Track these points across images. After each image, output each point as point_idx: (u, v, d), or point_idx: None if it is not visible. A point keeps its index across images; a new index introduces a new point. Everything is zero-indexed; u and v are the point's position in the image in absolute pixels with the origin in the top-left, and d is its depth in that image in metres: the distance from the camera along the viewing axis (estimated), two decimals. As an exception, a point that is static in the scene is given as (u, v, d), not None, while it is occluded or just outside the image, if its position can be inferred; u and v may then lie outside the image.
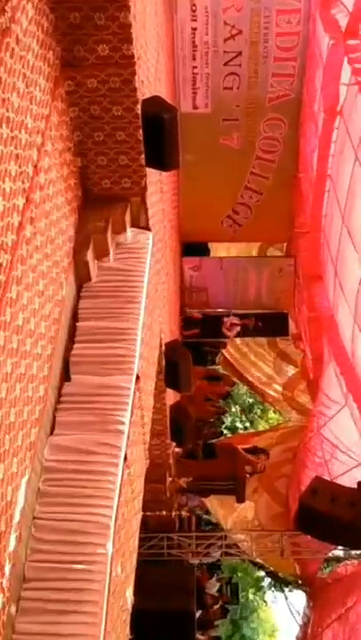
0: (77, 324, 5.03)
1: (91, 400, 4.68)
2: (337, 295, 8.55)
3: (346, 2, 7.28)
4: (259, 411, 21.07)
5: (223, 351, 14.63)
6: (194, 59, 10.48)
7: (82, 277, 5.20)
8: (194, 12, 10.06)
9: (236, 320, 12.37)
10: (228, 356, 14.80)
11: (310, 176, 9.72)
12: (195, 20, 10.08)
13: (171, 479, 9.62)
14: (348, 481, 7.97)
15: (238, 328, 12.45)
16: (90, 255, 5.17)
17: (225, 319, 12.29)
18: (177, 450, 10.66)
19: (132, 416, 4.79)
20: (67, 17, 4.51)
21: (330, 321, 9.08)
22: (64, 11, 4.48)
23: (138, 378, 5.07)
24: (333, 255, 8.45)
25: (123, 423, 4.61)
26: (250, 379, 14.80)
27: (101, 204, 5.50)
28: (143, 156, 5.34)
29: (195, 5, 9.99)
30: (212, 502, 12.69)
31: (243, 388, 18.18)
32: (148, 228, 5.92)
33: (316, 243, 9.52)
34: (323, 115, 8.09)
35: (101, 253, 5.38)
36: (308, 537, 9.23)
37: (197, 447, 11.72)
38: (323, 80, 7.91)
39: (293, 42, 10.19)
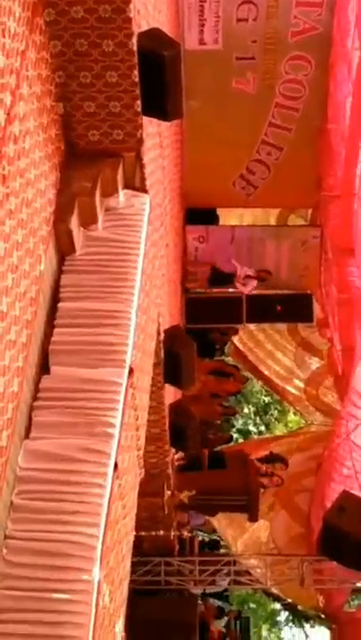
0: (58, 304, 5.03)
1: (74, 397, 4.69)
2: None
3: None
4: (276, 412, 21.19)
5: (234, 339, 14.66)
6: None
7: (64, 249, 5.20)
8: None
9: (251, 272, 12.20)
10: (241, 346, 14.83)
11: (342, 128, 9.67)
12: None
13: (170, 493, 9.68)
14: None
15: (255, 282, 12.24)
16: (74, 222, 5.16)
17: (238, 271, 12.15)
18: (177, 458, 10.71)
19: (123, 417, 4.81)
20: None
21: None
22: None
23: (131, 371, 5.08)
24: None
25: (112, 425, 4.63)
26: (266, 373, 14.84)
27: (88, 160, 5.47)
28: (139, 102, 5.31)
29: None
30: (219, 521, 12.78)
31: (257, 385, 18.25)
32: (144, 190, 5.90)
33: (349, 209, 9.49)
34: (358, 53, 8.05)
35: (88, 220, 5.37)
36: (334, 563, 9.30)
37: (202, 455, 11.77)
38: (358, 10, 7.87)
39: None
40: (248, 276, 12.18)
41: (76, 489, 4.32)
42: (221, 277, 12.24)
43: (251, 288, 12.29)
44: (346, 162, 9.22)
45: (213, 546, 14.99)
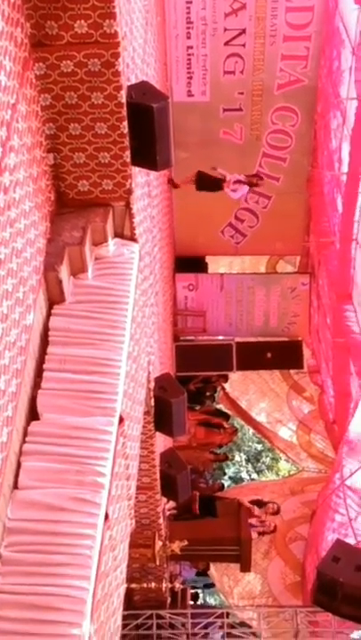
0: (48, 348, 5.02)
1: (63, 443, 4.65)
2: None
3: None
4: (268, 459, 21.04)
5: (225, 385, 14.65)
6: (189, 37, 10.63)
7: (54, 298, 5.21)
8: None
9: (241, 177, 11.05)
10: (231, 390, 14.81)
11: (336, 175, 9.79)
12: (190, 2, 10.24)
13: (161, 543, 9.55)
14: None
15: (246, 188, 11.15)
16: (64, 271, 5.18)
17: (228, 177, 10.95)
18: (169, 507, 10.58)
19: (114, 466, 4.77)
20: (37, -12, 4.57)
21: (359, 350, 9.11)
22: (34, -20, 4.54)
23: (121, 419, 5.05)
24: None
25: (103, 475, 4.58)
26: (257, 418, 14.79)
27: (78, 209, 5.52)
28: (128, 152, 5.38)
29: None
30: (214, 569, 12.62)
31: (249, 432, 18.16)
32: (133, 239, 5.94)
33: (347, 254, 9.54)
34: (355, 102, 8.18)
35: (78, 269, 5.39)
36: (329, 614, 9.15)
37: (194, 503, 11.65)
38: (356, 62, 8.04)
39: (307, 18, 10.37)
40: (238, 181, 11.05)
41: (66, 540, 4.26)
42: (209, 182, 11.06)
43: (241, 195, 11.29)
44: (344, 208, 9.29)
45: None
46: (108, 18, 4.70)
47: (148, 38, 7.37)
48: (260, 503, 12.02)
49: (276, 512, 12.04)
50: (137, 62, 6.11)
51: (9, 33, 4.22)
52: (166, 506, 10.21)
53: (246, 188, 11.04)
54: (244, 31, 10.57)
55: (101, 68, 4.91)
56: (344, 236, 9.48)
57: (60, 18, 4.68)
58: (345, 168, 9.19)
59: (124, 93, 5.10)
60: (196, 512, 11.72)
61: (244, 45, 10.70)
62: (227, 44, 10.71)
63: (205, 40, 10.70)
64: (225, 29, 10.56)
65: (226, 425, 14.06)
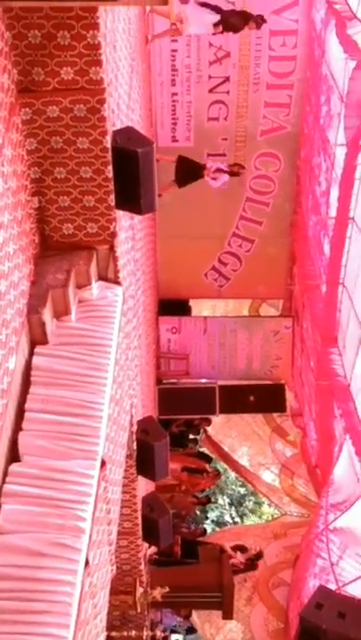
0: (30, 389, 4.98)
1: (44, 486, 4.59)
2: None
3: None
4: (251, 503, 20.90)
5: (208, 428, 14.60)
6: (173, 84, 10.80)
7: (37, 340, 5.19)
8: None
9: (223, 166, 10.69)
10: (214, 433, 14.75)
11: (322, 219, 9.88)
12: (175, 41, 10.43)
13: (142, 590, 9.40)
14: (361, 591, 7.86)
15: (226, 177, 10.72)
16: (47, 314, 5.17)
17: (208, 164, 10.60)
18: (150, 553, 10.45)
19: (95, 511, 4.72)
20: (25, 35, 4.64)
21: (345, 392, 9.11)
22: (22, 28, 4.61)
23: (103, 463, 5.01)
24: (360, 313, 8.47)
25: (83, 519, 4.52)
26: (240, 462, 14.72)
27: (62, 252, 5.54)
28: (113, 196, 5.42)
29: (174, 24, 10.33)
30: (196, 616, 12.44)
31: (232, 475, 18.05)
32: (117, 282, 5.95)
33: (334, 298, 9.59)
34: (345, 148, 8.29)
35: (61, 311, 5.38)
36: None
37: (175, 549, 11.52)
38: (345, 110, 8.17)
39: (289, 67, 10.59)
40: (219, 170, 10.67)
41: (46, 587, 4.19)
42: (190, 170, 10.66)
43: (221, 183, 10.82)
44: (332, 251, 9.34)
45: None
46: (94, 65, 4.77)
47: (134, 85, 7.48)
48: (242, 548, 11.91)
49: (259, 556, 11.94)
50: (122, 108, 6.20)
51: (-4, 79, 4.28)
52: (148, 550, 10.09)
53: (227, 177, 10.71)
54: (228, 79, 10.78)
55: (87, 114, 4.97)
56: (331, 280, 9.53)
57: (46, 65, 4.75)
58: (333, 212, 9.28)
59: (109, 138, 5.16)
60: (177, 557, 11.59)
61: (228, 93, 10.89)
62: (211, 91, 10.90)
63: (190, 87, 10.89)
64: (209, 77, 10.76)
65: (209, 469, 13.98)
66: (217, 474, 14.24)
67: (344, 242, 8.95)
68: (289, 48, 10.45)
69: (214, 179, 10.60)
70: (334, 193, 9.13)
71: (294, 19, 10.21)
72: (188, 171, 10.62)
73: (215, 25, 9.37)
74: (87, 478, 4.74)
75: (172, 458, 13.05)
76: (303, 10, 10.14)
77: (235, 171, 10.73)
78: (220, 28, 9.44)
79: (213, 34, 9.58)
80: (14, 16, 4.54)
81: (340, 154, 8.63)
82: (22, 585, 4.17)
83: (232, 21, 9.49)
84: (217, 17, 9.29)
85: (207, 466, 14.05)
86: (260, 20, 9.61)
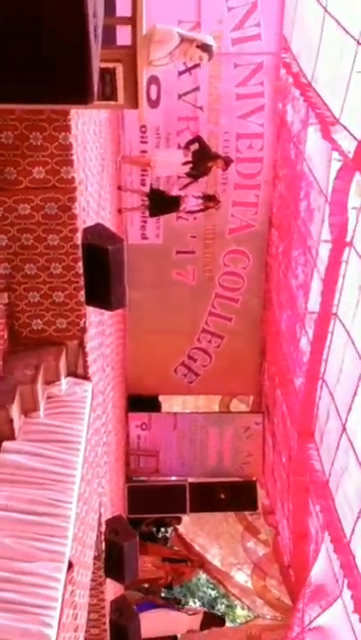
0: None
1: (8, 589, 4.41)
2: (341, 457, 8.42)
3: (346, 124, 7.84)
4: (223, 607, 20.31)
5: (178, 526, 14.32)
6: (143, 184, 11.06)
7: (4, 436, 5.09)
8: (143, 132, 10.76)
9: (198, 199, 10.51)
10: (185, 532, 14.45)
11: (297, 313, 9.98)
12: (145, 142, 10.76)
13: None
14: None
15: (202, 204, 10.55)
16: (15, 410, 5.10)
17: (185, 198, 10.43)
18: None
19: (61, 617, 4.53)
20: (-3, 136, 4.76)
21: (323, 488, 8.99)
22: (-5, 129, 4.73)
23: (70, 565, 4.85)
24: (341, 408, 8.39)
25: (49, 626, 4.34)
26: (212, 562, 14.38)
27: (31, 348, 5.52)
28: (83, 292, 5.46)
29: (144, 126, 10.69)
30: None
31: (203, 577, 17.59)
32: (86, 378, 5.92)
33: (312, 393, 9.57)
34: (329, 245, 8.44)
35: (29, 407, 5.31)
36: None
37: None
38: (331, 207, 8.36)
39: (256, 168, 10.95)
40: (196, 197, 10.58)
41: None
42: (164, 201, 10.53)
43: (199, 209, 10.70)
44: (313, 346, 9.33)
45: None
46: (65, 165, 4.89)
47: (104, 184, 7.65)
48: None
49: None
50: (92, 205, 6.32)
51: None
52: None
53: (202, 205, 10.58)
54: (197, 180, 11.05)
55: (58, 212, 5.06)
56: (311, 375, 9.53)
57: (19, 164, 4.86)
58: (312, 305, 9.35)
59: (79, 235, 5.24)
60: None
61: (197, 193, 11.16)
62: (180, 190, 11.14)
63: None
64: (178, 177, 11.03)
65: (192, 557, 13.70)
66: (197, 562, 13.92)
67: (326, 336, 9.00)
68: (255, 150, 10.84)
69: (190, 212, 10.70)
70: (315, 286, 9.25)
71: (260, 123, 10.63)
72: (162, 202, 10.57)
73: (184, 164, 9.95)
74: (53, 581, 4.56)
75: (149, 550, 12.80)
76: (268, 115, 10.57)
77: (211, 206, 10.55)
78: (190, 165, 9.99)
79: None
80: (-13, 118, 4.67)
81: (324, 250, 8.78)
82: None
83: (201, 159, 10.01)
84: (186, 156, 9.92)
85: (189, 555, 13.76)
86: (228, 160, 10.17)
